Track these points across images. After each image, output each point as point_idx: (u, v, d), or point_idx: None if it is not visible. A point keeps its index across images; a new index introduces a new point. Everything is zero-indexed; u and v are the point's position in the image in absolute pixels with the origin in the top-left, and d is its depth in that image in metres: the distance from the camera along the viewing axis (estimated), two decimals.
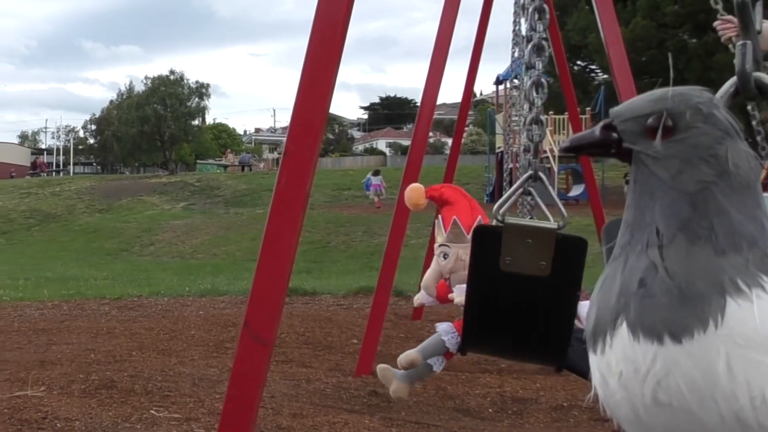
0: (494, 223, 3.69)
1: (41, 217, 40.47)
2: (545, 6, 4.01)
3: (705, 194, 1.71)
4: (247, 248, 26.99)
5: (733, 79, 1.94)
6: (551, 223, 3.67)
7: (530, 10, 3.70)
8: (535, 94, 3.97)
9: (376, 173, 40.48)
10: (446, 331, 5.14)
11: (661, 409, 1.68)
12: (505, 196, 3.77)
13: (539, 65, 3.89)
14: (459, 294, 4.89)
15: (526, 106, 3.79)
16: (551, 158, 32.32)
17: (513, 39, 10.29)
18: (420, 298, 5.44)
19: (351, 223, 31.42)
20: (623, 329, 1.71)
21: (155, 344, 8.48)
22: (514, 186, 3.85)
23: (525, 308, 3.81)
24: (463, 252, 4.78)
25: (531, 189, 3.98)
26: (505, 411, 6.18)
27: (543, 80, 3.95)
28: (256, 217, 33.64)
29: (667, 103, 1.75)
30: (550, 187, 3.91)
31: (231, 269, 21.61)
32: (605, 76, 38.99)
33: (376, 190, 38.45)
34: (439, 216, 5.02)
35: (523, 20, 10.17)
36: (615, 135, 1.80)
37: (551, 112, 34.27)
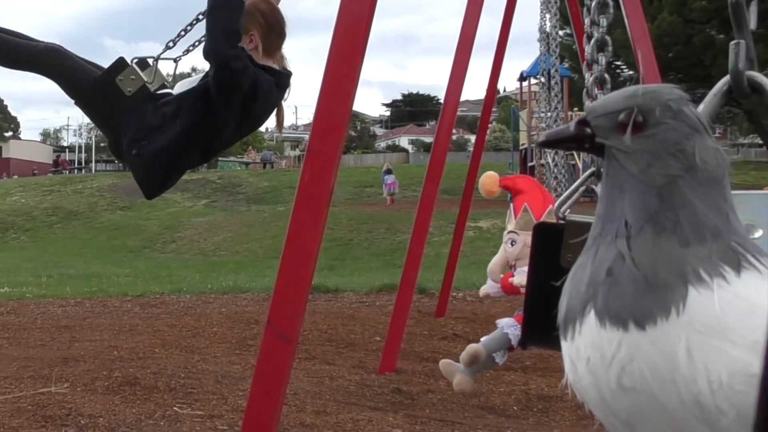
0: (556, 219, 3.70)
1: (63, 214, 40.62)
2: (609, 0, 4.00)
3: (672, 187, 1.76)
4: (269, 245, 27.01)
5: (726, 78, 1.98)
6: None
7: (593, 4, 3.66)
8: (597, 90, 3.97)
9: (388, 172, 40.56)
10: (509, 325, 5.16)
11: (625, 393, 1.72)
12: (567, 192, 3.77)
13: (602, 60, 3.88)
14: (520, 276, 4.92)
15: (588, 102, 3.74)
16: (576, 155, 32.26)
17: (539, 35, 10.28)
18: (486, 287, 5.47)
19: (373, 221, 31.39)
20: (591, 316, 1.77)
21: (178, 341, 8.49)
22: (577, 183, 3.85)
23: None
24: (530, 240, 4.83)
25: (593, 187, 3.98)
26: (530, 409, 6.15)
27: (606, 76, 3.95)
28: (278, 215, 33.68)
29: (638, 99, 1.81)
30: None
31: (253, 266, 21.63)
32: (630, 72, 38.94)
33: (390, 189, 38.93)
34: (511, 205, 5.04)
35: (548, 16, 10.15)
36: (589, 130, 1.86)
37: (575, 109, 34.23)
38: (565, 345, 1.86)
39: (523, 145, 36.67)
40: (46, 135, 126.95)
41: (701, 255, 1.72)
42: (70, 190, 46.92)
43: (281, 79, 4.87)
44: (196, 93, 4.76)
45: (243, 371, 6.91)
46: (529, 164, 34.29)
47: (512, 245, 5.03)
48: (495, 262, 5.31)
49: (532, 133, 34.25)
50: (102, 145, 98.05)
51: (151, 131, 4.74)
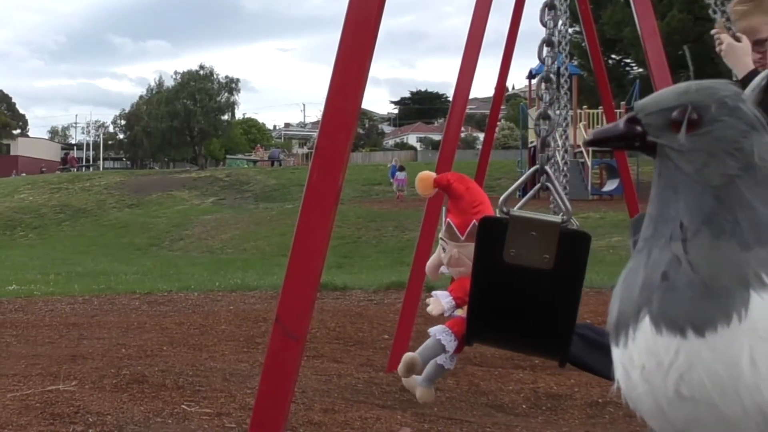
0: (500, 214, 3.69)
1: (71, 212, 40.70)
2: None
3: (729, 188, 1.70)
4: (277, 243, 27.01)
5: (765, 73, 1.93)
6: (555, 217, 3.66)
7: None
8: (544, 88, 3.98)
9: (401, 168, 41.66)
10: (440, 331, 5.16)
11: (683, 402, 1.68)
12: (511, 188, 3.80)
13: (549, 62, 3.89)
14: (434, 305, 4.94)
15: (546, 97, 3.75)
16: (585, 153, 32.23)
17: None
18: (429, 307, 5.40)
19: (382, 218, 31.39)
20: (646, 322, 1.72)
21: (186, 339, 8.49)
22: (521, 179, 3.88)
23: (528, 301, 3.80)
24: (456, 251, 4.83)
25: (548, 184, 3.98)
26: (539, 407, 6.13)
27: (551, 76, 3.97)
28: (285, 212, 33.70)
29: (691, 96, 1.75)
30: (555, 182, 3.90)
31: (261, 264, 21.64)
32: (640, 69, 38.88)
33: (399, 185, 40.07)
34: (444, 207, 5.05)
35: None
36: (639, 128, 1.79)
37: (585, 106, 34.19)
38: (617, 352, 1.79)
39: (531, 142, 36.62)
40: (54, 133, 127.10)
41: (763, 258, 1.66)
42: (78, 188, 47.02)
43: None
44: None
45: (251, 369, 6.90)
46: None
47: (444, 251, 5.05)
48: (431, 262, 5.34)
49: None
50: (110, 143, 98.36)
51: None
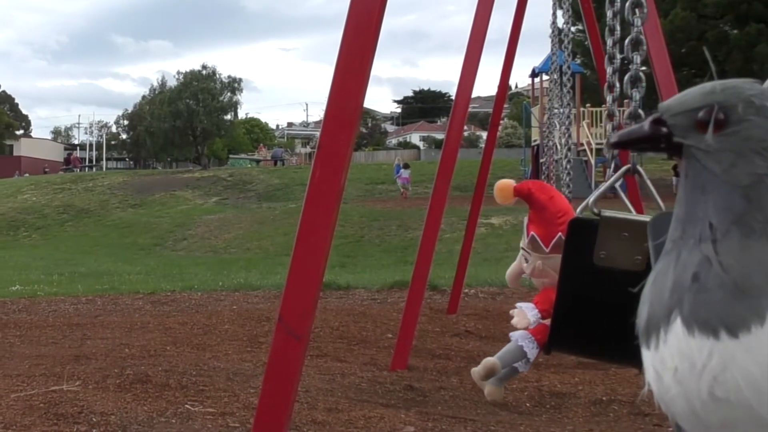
0: (590, 215, 3.61)
1: (75, 212, 40.70)
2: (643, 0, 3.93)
3: (759, 187, 1.67)
4: (280, 243, 27.01)
5: None
6: (647, 217, 3.61)
7: (627, 4, 3.60)
8: (631, 89, 3.88)
9: (406, 166, 42.01)
10: (523, 337, 5.10)
11: (718, 404, 1.64)
12: (601, 188, 3.69)
13: (637, 59, 3.81)
14: (518, 318, 4.87)
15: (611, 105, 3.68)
16: (588, 151, 32.24)
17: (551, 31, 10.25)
18: (513, 320, 5.34)
19: (385, 217, 31.38)
20: (677, 324, 1.68)
21: (189, 339, 8.49)
22: (612, 179, 3.76)
23: (618, 306, 3.73)
24: (541, 263, 4.77)
25: (639, 168, 3.87)
26: (543, 405, 6.13)
27: (641, 74, 3.87)
28: (288, 212, 33.70)
29: (717, 96, 1.72)
30: (648, 181, 3.83)
31: (264, 264, 21.64)
32: (643, 68, 38.82)
33: (404, 183, 40.33)
34: (525, 218, 4.97)
35: (560, 12, 10.11)
36: (665, 129, 1.77)
37: (588, 105, 34.18)
38: (647, 354, 1.77)
39: (535, 141, 36.62)
40: (57, 133, 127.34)
41: None
42: (81, 188, 47.04)
43: None
44: None
45: (254, 368, 6.91)
46: (541, 160, 34.28)
47: (526, 261, 4.98)
48: (512, 270, 5.26)
49: (544, 129, 34.24)
50: (113, 143, 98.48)
51: None
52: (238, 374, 6.68)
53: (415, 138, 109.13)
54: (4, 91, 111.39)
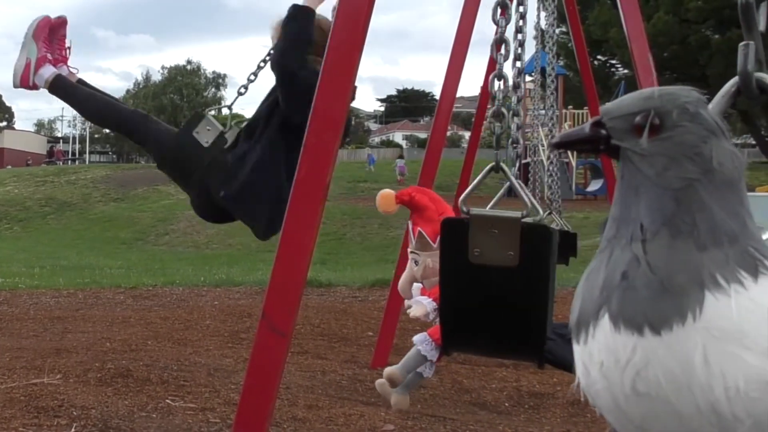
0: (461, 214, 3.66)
1: (57, 205, 40.60)
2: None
3: (689, 191, 1.74)
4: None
5: (734, 79, 1.98)
6: (515, 212, 3.65)
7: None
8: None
9: (400, 157, 48.39)
10: (421, 341, 5.14)
11: (639, 398, 1.72)
12: (470, 187, 3.76)
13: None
14: (416, 307, 4.90)
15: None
16: (569, 153, 32.28)
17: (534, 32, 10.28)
18: (412, 310, 5.38)
19: (367, 216, 31.38)
20: (605, 320, 1.75)
21: (171, 334, 8.49)
22: (479, 177, 3.82)
23: (498, 302, 3.77)
24: (431, 261, 4.80)
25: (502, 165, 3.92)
26: (522, 405, 6.17)
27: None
28: None
29: (654, 101, 1.79)
30: (512, 178, 3.86)
31: (246, 260, 21.65)
32: (626, 71, 39.00)
33: (401, 170, 44.77)
34: (409, 222, 5.00)
35: (544, 14, 10.16)
36: (604, 132, 1.84)
37: (570, 107, 34.27)
38: (577, 349, 1.84)
39: None
40: (40, 125, 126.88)
41: (718, 260, 1.71)
42: (63, 181, 46.89)
43: None
44: (265, 112, 4.93)
45: (235, 365, 6.92)
46: (523, 161, 34.29)
47: (416, 264, 5.02)
48: (403, 279, 5.27)
49: (527, 130, 34.28)
50: (96, 136, 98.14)
51: (235, 167, 4.85)
52: (219, 370, 6.70)
53: (398, 137, 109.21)
54: None
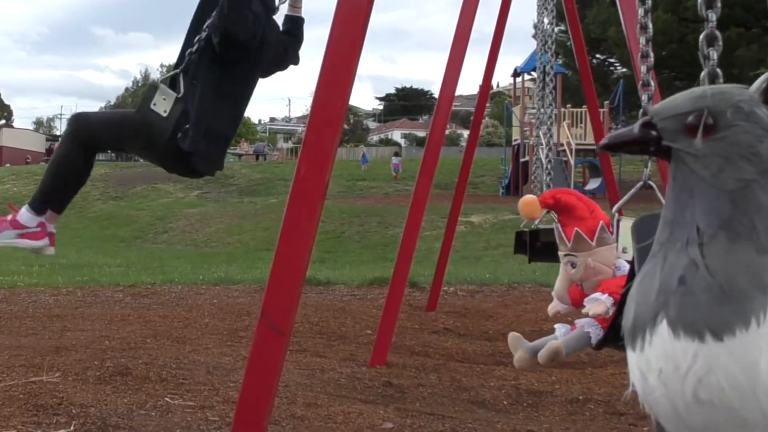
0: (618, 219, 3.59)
1: None
2: None
3: (746, 192, 1.69)
4: (261, 237, 26.97)
5: (765, 76, 1.93)
6: None
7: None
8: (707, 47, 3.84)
9: (396, 154, 48.45)
10: (590, 324, 5.03)
11: (701, 406, 1.67)
12: (626, 196, 3.66)
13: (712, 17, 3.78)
14: (594, 305, 4.80)
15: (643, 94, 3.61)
16: (568, 151, 32.28)
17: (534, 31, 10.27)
18: (555, 306, 5.30)
19: (365, 214, 31.34)
20: (663, 327, 1.70)
21: (169, 332, 8.49)
22: (631, 192, 3.71)
23: None
24: (591, 260, 4.71)
25: (651, 183, 3.83)
26: (520, 403, 6.17)
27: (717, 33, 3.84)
28: (270, 207, 33.62)
29: (707, 101, 1.74)
30: (659, 195, 3.79)
31: (245, 258, 21.62)
32: (624, 69, 39.00)
33: (395, 167, 45.28)
34: (558, 224, 4.92)
35: (545, 12, 10.14)
36: (654, 133, 1.79)
37: (569, 105, 34.25)
38: (633, 355, 1.80)
39: (515, 140, 36.68)
40: (38, 124, 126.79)
41: None
42: None
43: (294, 26, 5.27)
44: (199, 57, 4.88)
45: (234, 363, 6.92)
46: (522, 160, 34.31)
47: (573, 267, 4.90)
48: (559, 284, 5.15)
49: (525, 128, 34.29)
50: None
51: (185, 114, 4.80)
52: (217, 368, 6.70)
53: (396, 135, 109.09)
54: None
